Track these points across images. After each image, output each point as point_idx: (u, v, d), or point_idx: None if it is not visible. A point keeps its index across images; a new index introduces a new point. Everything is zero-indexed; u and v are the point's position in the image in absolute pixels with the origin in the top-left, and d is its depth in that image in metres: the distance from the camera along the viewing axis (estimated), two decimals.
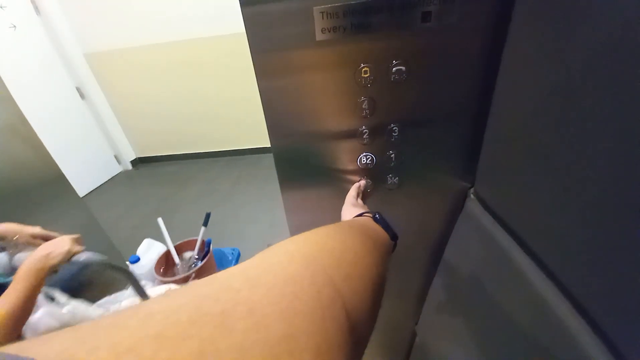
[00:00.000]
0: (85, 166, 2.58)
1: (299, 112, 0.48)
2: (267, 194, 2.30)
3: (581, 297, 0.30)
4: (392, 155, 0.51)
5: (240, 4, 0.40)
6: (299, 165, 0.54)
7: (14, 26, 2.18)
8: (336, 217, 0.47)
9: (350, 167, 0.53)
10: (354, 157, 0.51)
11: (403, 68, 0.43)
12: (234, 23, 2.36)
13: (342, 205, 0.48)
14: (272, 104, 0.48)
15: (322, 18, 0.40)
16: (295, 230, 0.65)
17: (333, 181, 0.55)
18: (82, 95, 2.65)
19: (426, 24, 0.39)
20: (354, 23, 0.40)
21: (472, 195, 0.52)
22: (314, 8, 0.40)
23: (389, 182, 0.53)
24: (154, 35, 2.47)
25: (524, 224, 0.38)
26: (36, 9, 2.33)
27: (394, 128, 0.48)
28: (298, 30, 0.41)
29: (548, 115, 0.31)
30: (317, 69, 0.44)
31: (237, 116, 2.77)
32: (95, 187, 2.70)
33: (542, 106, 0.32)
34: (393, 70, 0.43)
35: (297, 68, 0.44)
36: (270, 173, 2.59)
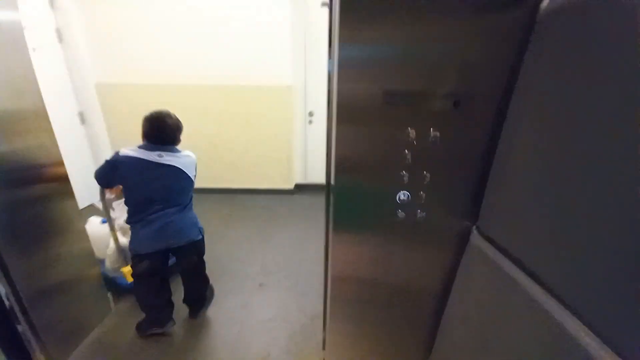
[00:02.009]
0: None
1: (360, 154, 0.64)
2: (258, 234, 2.33)
3: (591, 314, 0.38)
4: (423, 195, 0.67)
5: (338, 79, 0.58)
6: (353, 198, 0.68)
7: (34, 49, 2.29)
8: (376, 246, 0.60)
9: (391, 200, 0.68)
10: (394, 193, 0.67)
11: (438, 134, 0.62)
12: (238, 76, 2.68)
13: (383, 237, 0.62)
14: (342, 144, 0.64)
15: (386, 94, 0.60)
16: (337, 258, 0.76)
17: (379, 211, 0.69)
18: (82, 121, 2.68)
19: (456, 108, 0.60)
20: (409, 101, 0.60)
21: (475, 231, 0.68)
22: (385, 88, 0.59)
23: (418, 216, 0.69)
24: (163, 76, 2.69)
25: (527, 252, 0.54)
26: (59, 36, 2.48)
27: (427, 175, 0.65)
28: (371, 98, 0.60)
29: (544, 162, 0.50)
30: (380, 124, 0.62)
31: (231, 158, 2.92)
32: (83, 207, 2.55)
33: (540, 156, 0.51)
34: (431, 134, 0.62)
35: (366, 121, 0.62)
36: (260, 213, 2.66)
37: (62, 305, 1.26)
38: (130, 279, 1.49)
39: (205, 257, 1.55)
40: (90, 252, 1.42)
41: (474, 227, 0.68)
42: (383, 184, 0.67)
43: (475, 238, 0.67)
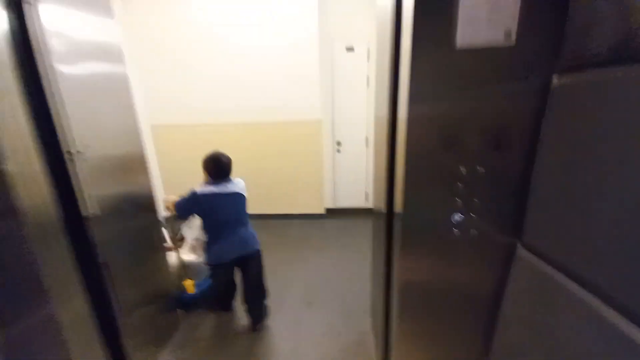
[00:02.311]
0: None
1: (423, 185, 0.84)
2: (296, 256, 2.50)
3: None
4: (473, 215, 0.85)
5: (408, 131, 0.80)
6: (418, 220, 0.87)
7: None
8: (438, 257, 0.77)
9: (448, 221, 0.86)
10: (450, 215, 0.85)
11: (483, 170, 0.81)
12: (274, 112, 2.99)
13: (442, 252, 0.80)
14: (409, 178, 0.84)
15: (446, 141, 0.80)
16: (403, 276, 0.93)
17: (438, 231, 0.88)
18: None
19: (496, 150, 0.79)
20: (461, 146, 0.80)
21: (519, 245, 0.84)
22: (444, 135, 0.80)
23: (471, 234, 0.86)
24: (208, 116, 3.06)
25: (568, 259, 0.70)
26: None
27: (476, 200, 0.84)
28: (433, 143, 0.81)
29: (588, 174, 0.67)
30: (438, 163, 0.82)
31: (268, 186, 3.17)
32: None
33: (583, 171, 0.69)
34: (477, 170, 0.81)
35: (428, 160, 0.82)
36: (295, 237, 2.90)
37: (146, 316, 1.47)
38: (192, 290, 1.77)
39: None
40: (168, 270, 1.67)
41: (519, 241, 0.85)
42: (441, 208, 0.85)
43: (521, 250, 0.83)
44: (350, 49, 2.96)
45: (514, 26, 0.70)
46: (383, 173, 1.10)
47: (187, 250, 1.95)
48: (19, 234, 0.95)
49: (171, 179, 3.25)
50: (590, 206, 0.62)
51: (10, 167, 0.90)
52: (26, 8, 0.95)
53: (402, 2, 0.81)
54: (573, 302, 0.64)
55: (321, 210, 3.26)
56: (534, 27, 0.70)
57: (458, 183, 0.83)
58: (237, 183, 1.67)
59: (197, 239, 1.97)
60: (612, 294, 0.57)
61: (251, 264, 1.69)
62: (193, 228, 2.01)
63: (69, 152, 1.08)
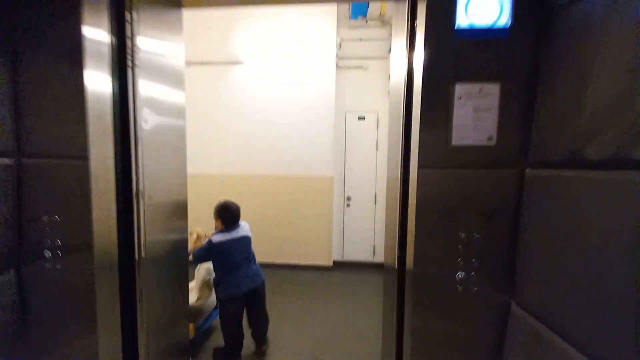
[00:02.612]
0: None
1: (430, 248, 1.03)
2: (303, 308, 2.53)
3: None
4: (474, 274, 1.01)
5: (418, 220, 1.02)
6: (427, 277, 1.04)
7: None
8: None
9: (452, 279, 1.02)
10: (454, 273, 1.02)
11: (479, 236, 1.01)
12: (290, 168, 3.30)
13: (448, 306, 0.95)
14: (419, 243, 1.03)
15: (445, 214, 1.02)
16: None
17: (444, 286, 1.03)
18: None
19: (488, 221, 1.00)
20: (460, 218, 1.01)
21: (513, 303, 0.99)
22: (447, 209, 1.02)
23: (473, 290, 1.02)
24: (229, 168, 3.38)
25: (567, 320, 0.85)
26: None
27: (474, 261, 1.01)
28: (437, 217, 1.02)
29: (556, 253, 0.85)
30: (442, 229, 1.02)
31: (278, 236, 3.33)
32: None
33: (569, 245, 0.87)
34: (474, 236, 1.01)
35: (434, 226, 1.02)
36: (302, 288, 3.01)
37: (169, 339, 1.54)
38: (192, 334, 1.88)
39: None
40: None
41: (513, 299, 0.99)
42: (446, 267, 1.03)
43: (515, 308, 0.97)
44: (361, 118, 3.41)
45: (494, 133, 0.97)
46: (395, 232, 1.29)
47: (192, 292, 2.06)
48: (89, 267, 1.13)
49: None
50: (565, 270, 0.79)
51: (95, 205, 1.11)
52: (129, 76, 1.22)
53: (412, 102, 1.10)
54: (560, 357, 0.78)
55: (329, 263, 3.34)
56: (509, 134, 0.97)
57: (459, 246, 1.02)
58: (244, 226, 1.97)
59: (202, 280, 2.11)
60: (589, 348, 0.71)
61: (259, 293, 1.92)
62: (199, 269, 2.15)
63: (136, 197, 1.30)
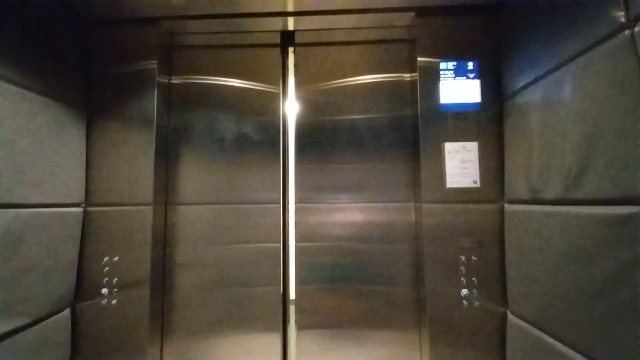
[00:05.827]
0: None
1: (438, 267, 1.28)
2: None
3: None
4: (475, 291, 1.26)
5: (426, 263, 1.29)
6: (441, 294, 1.27)
7: None
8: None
9: (458, 295, 1.26)
10: (460, 290, 1.26)
11: (475, 258, 1.27)
12: None
13: (455, 319, 1.18)
14: (431, 273, 1.28)
15: (450, 238, 1.29)
16: None
17: (452, 302, 1.26)
18: None
19: (480, 247, 1.27)
20: (462, 245, 1.28)
21: (508, 312, 1.23)
22: (448, 235, 1.29)
23: (476, 304, 1.25)
24: None
25: (546, 321, 1.09)
26: None
27: (474, 280, 1.26)
28: (442, 241, 1.29)
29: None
30: (446, 252, 1.28)
31: None
32: None
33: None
34: (472, 259, 1.27)
35: (442, 249, 1.28)
36: None
37: None
38: None
39: None
40: None
41: (508, 309, 1.23)
42: (453, 285, 1.27)
43: (510, 316, 1.21)
44: None
45: (477, 177, 1.29)
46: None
47: None
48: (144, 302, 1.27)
49: None
50: (540, 282, 1.06)
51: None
52: None
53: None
54: (551, 353, 1.01)
55: None
56: (489, 178, 1.29)
57: (461, 267, 1.27)
58: None
59: None
60: (569, 342, 0.95)
61: None
62: None
63: None
